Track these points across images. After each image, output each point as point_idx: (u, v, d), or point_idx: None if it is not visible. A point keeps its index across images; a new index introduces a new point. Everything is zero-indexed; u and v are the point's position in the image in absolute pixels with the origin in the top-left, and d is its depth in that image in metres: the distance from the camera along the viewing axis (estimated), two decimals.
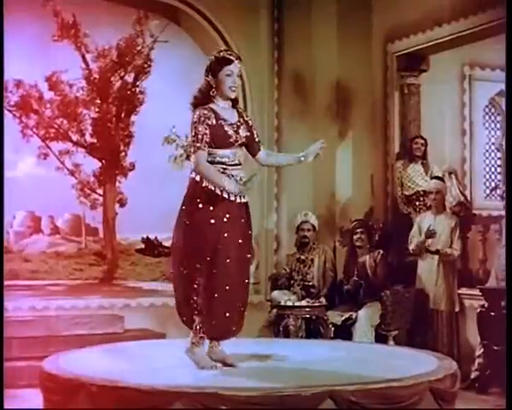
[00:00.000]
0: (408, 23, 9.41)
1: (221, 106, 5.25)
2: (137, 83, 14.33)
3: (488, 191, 10.48)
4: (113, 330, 8.81)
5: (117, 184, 14.39)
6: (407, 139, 9.77)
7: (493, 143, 10.77)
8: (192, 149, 5.17)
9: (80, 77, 14.14)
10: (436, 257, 8.76)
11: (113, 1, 11.34)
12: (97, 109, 14.17)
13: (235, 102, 5.34)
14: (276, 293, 9.18)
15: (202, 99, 5.28)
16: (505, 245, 7.79)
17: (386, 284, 8.70)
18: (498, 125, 10.80)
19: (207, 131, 5.14)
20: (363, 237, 8.93)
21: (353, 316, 8.54)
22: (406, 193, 9.63)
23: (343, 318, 8.59)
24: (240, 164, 5.26)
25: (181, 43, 12.59)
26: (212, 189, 5.14)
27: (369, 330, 8.47)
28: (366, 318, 8.47)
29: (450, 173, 9.51)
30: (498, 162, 10.71)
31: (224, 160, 5.20)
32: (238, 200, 5.21)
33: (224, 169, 5.18)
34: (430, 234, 8.66)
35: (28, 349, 8.08)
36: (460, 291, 8.75)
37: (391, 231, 9.49)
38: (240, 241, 5.23)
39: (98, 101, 14.15)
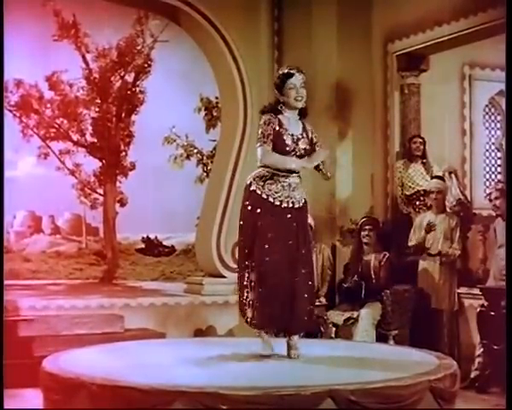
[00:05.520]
0: (408, 23, 9.41)
1: (287, 116, 5.62)
2: (137, 82, 14.37)
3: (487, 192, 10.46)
4: (113, 329, 8.81)
5: (117, 183, 14.43)
6: (406, 139, 9.77)
7: (493, 143, 10.78)
8: (258, 144, 5.57)
9: (80, 77, 14.19)
10: (437, 257, 8.77)
11: (114, 1, 11.32)
12: (97, 109, 14.21)
13: (303, 116, 5.69)
14: None
15: (270, 110, 5.65)
16: (505, 245, 7.81)
17: (386, 287, 8.69)
18: (498, 125, 10.80)
19: (272, 133, 5.53)
20: (371, 235, 8.91)
21: (354, 315, 8.54)
22: (406, 193, 9.63)
23: (344, 317, 8.59)
24: (294, 172, 5.60)
25: (181, 43, 12.63)
26: (259, 193, 5.55)
27: (370, 329, 8.47)
28: (368, 317, 8.47)
29: (450, 173, 9.51)
30: (498, 162, 10.72)
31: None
32: (284, 205, 5.58)
33: (273, 175, 5.57)
34: (430, 228, 8.68)
35: (28, 349, 8.08)
36: (460, 291, 8.75)
37: (391, 230, 9.49)
38: (290, 242, 5.56)
39: (98, 100, 14.19)
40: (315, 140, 5.71)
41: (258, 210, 5.55)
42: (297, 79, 5.57)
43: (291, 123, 5.61)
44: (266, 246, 5.51)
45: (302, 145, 5.59)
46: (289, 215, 5.58)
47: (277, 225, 5.54)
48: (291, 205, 5.59)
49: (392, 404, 4.62)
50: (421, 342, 7.59)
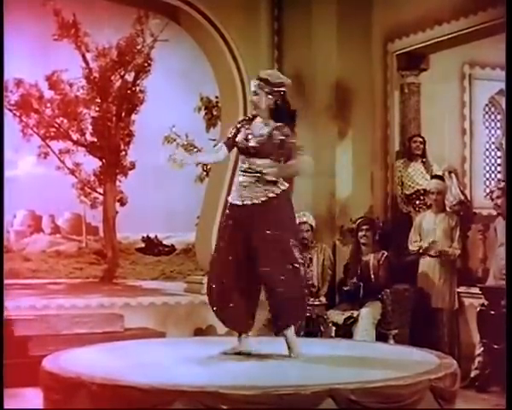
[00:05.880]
0: (408, 22, 9.42)
1: (258, 118, 5.76)
2: (138, 82, 14.37)
3: (487, 191, 10.46)
4: (113, 329, 8.81)
5: (117, 183, 14.43)
6: (406, 138, 9.78)
7: (493, 142, 10.78)
8: None
9: (80, 76, 14.19)
10: (437, 257, 8.77)
11: (114, 0, 11.32)
12: (97, 108, 14.21)
13: (273, 118, 5.72)
14: None
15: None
16: (505, 245, 7.81)
17: (386, 286, 8.69)
18: (498, 125, 10.80)
19: (233, 131, 5.75)
20: (369, 235, 8.89)
21: (355, 315, 8.54)
22: (406, 192, 9.63)
23: (344, 317, 8.59)
24: (246, 171, 5.64)
25: (181, 43, 12.62)
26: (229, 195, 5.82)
27: (370, 329, 8.46)
28: (368, 316, 8.46)
29: (450, 172, 9.51)
30: (498, 161, 10.72)
31: (240, 165, 5.82)
32: (239, 203, 5.65)
33: (239, 175, 5.73)
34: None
35: (28, 349, 8.07)
36: (460, 290, 8.76)
37: (391, 229, 9.49)
38: (251, 240, 5.57)
39: (98, 100, 14.19)
40: (287, 140, 5.59)
41: (228, 211, 5.80)
42: (251, 86, 5.82)
43: (257, 124, 5.70)
44: (221, 244, 5.69)
45: (251, 143, 5.62)
46: (247, 213, 5.60)
47: (235, 224, 5.65)
48: (248, 202, 5.60)
49: (392, 403, 4.63)
50: (421, 342, 7.59)
